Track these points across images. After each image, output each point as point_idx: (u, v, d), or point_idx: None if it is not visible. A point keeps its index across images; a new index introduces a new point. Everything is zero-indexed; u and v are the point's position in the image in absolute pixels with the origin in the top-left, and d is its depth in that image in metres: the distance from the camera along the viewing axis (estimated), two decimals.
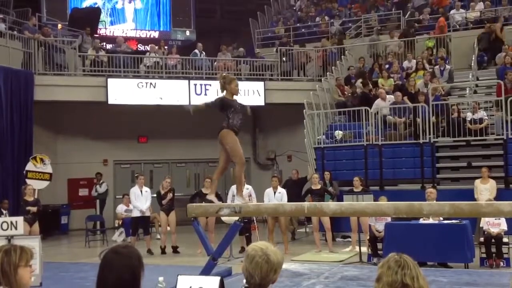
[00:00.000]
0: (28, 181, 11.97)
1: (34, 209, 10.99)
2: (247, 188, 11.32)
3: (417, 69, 15.47)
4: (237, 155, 6.37)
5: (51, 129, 16.61)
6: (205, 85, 16.08)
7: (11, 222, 7.03)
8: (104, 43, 20.11)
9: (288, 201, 11.04)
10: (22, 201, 11.23)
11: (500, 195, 11.09)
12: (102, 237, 13.40)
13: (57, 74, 15.28)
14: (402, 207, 5.99)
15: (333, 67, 17.04)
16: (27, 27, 15.41)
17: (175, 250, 11.70)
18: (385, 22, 19.38)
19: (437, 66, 15.33)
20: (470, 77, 14.89)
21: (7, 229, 6.98)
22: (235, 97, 6.57)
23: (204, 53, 17.32)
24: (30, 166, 12.34)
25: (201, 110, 7.27)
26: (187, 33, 24.44)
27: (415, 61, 15.92)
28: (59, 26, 19.32)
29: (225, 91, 6.46)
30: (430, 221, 9.29)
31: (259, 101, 16.43)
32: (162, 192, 11.85)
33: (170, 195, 11.82)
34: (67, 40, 16.66)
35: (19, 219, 7.15)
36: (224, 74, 6.88)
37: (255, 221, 11.93)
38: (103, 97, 15.24)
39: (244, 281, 2.71)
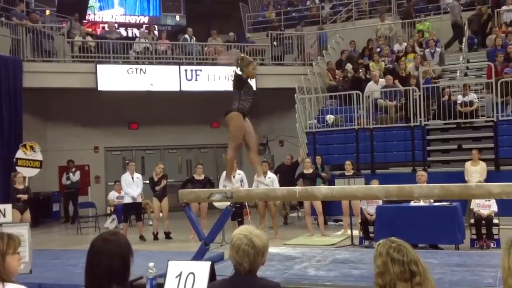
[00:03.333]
0: (18, 168, 11.90)
1: (24, 196, 10.93)
2: (239, 174, 11.32)
3: (406, 52, 15.46)
4: (235, 140, 6.29)
5: (41, 116, 16.50)
6: (195, 70, 16.01)
7: None
8: (94, 29, 19.92)
9: (282, 186, 11.01)
10: (13, 189, 11.17)
11: (490, 177, 11.18)
12: (94, 224, 13.38)
13: (46, 60, 15.15)
14: (393, 190, 5.98)
15: (324, 51, 17.00)
16: (14, 13, 15.22)
17: (167, 236, 11.72)
18: (376, 5, 19.31)
19: (427, 49, 15.33)
20: (461, 59, 14.90)
21: None
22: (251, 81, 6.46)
23: (194, 38, 17.20)
24: (20, 154, 12.26)
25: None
26: (177, 18, 24.22)
27: (405, 44, 15.92)
28: (47, 12, 19.11)
29: (241, 73, 6.36)
30: (421, 203, 9.34)
31: None
32: (156, 178, 11.82)
33: (164, 182, 11.80)
34: (55, 26, 16.50)
35: (8, 207, 7.09)
36: (242, 55, 6.73)
37: (247, 206, 11.94)
38: (92, 83, 15.14)
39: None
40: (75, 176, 15.37)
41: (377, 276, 2.32)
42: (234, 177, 11.25)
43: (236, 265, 2.65)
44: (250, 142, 6.35)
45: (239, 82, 6.26)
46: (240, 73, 6.29)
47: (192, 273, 3.90)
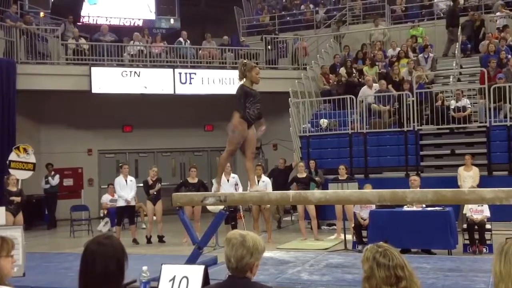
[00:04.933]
0: (11, 171, 11.85)
1: (17, 199, 10.89)
2: (233, 177, 11.32)
3: (399, 57, 15.52)
4: (232, 145, 6.32)
5: (34, 118, 16.45)
6: (190, 73, 16.01)
7: None
8: (90, 36, 19.88)
9: (275, 190, 11.02)
10: (5, 192, 11.12)
11: (483, 182, 11.22)
12: (87, 227, 13.33)
13: (40, 63, 15.10)
14: (386, 194, 6.01)
15: (318, 55, 17.05)
16: (8, 15, 15.16)
17: (161, 239, 11.69)
18: (370, 10, 19.38)
19: (421, 54, 15.40)
20: (454, 65, 14.97)
21: None
22: (254, 85, 6.46)
23: (188, 41, 17.21)
24: (13, 156, 12.20)
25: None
26: (172, 21, 24.21)
27: (399, 49, 15.98)
28: (42, 14, 19.06)
29: (244, 79, 6.36)
30: (414, 208, 9.37)
31: None
32: (150, 182, 11.81)
33: (158, 186, 11.81)
34: (49, 29, 16.45)
35: (1, 209, 7.06)
36: (245, 61, 6.75)
37: (241, 210, 11.94)
38: (86, 86, 15.11)
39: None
40: (55, 180, 14.94)
41: (364, 280, 2.36)
42: (228, 180, 11.29)
43: (226, 261, 2.68)
44: (247, 150, 6.39)
45: (245, 94, 6.24)
46: (241, 82, 6.30)
47: (186, 277, 3.90)
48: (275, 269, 6.60)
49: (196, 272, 3.90)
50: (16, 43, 14.51)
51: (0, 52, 14.30)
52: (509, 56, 13.92)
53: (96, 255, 2.43)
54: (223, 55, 17.04)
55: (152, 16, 22.67)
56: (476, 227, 9.41)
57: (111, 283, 2.42)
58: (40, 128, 16.66)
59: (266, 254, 7.69)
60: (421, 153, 13.06)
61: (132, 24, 22.87)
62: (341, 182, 10.92)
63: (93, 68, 15.20)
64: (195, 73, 15.98)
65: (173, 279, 3.94)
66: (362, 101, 13.61)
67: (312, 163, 12.87)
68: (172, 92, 15.90)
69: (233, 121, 6.15)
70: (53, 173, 15.07)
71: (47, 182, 14.90)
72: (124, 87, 15.45)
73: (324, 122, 13.95)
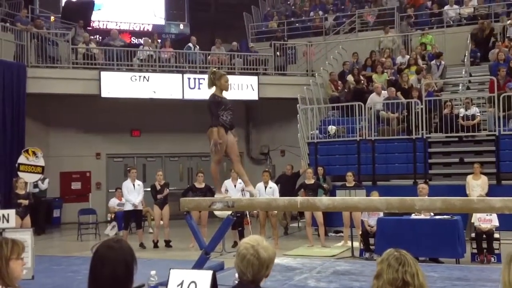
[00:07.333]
0: (20, 174, 11.92)
1: (25, 202, 10.95)
2: (240, 183, 11.31)
3: (409, 65, 15.49)
4: (217, 154, 6.37)
5: (44, 122, 16.54)
6: (198, 79, 16.06)
7: (3, 215, 6.98)
8: (98, 36, 20.01)
9: (282, 196, 11.02)
10: (14, 194, 11.18)
11: (491, 191, 11.16)
12: (95, 230, 13.37)
13: (50, 66, 15.20)
14: (394, 202, 6.00)
15: (326, 62, 17.06)
16: (19, 19, 15.30)
17: (167, 244, 11.71)
18: (379, 17, 19.38)
19: (433, 61, 15.37)
20: (463, 73, 14.93)
21: None
22: (224, 93, 6.48)
23: (197, 46, 17.27)
24: (22, 159, 12.28)
25: None
26: (181, 26, 24.37)
27: (408, 56, 15.96)
28: (52, 18, 19.20)
29: (214, 87, 6.40)
30: (422, 216, 9.33)
31: (253, 95, 16.44)
32: (158, 186, 11.84)
33: (167, 191, 11.84)
34: (60, 33, 16.56)
35: (11, 212, 7.09)
36: (214, 69, 6.77)
37: (247, 216, 11.93)
38: (96, 90, 15.19)
39: (237, 275, 2.72)
40: (44, 184, 14.42)
41: (374, 278, 2.42)
42: (235, 186, 11.30)
43: (240, 274, 2.67)
44: (231, 155, 6.43)
45: (217, 104, 6.30)
46: (214, 93, 6.36)
47: (194, 282, 3.90)
48: (282, 276, 6.60)
49: (204, 277, 3.90)
50: (27, 46, 14.63)
51: (10, 56, 14.41)
52: None
53: (105, 258, 2.43)
54: (232, 61, 17.08)
55: (159, 21, 22.79)
56: (484, 236, 9.36)
57: (120, 287, 2.43)
58: (49, 131, 16.74)
59: None
60: (430, 161, 13.01)
61: (141, 29, 23.02)
62: (348, 189, 10.90)
63: (102, 73, 15.28)
64: (203, 78, 15.98)
65: (181, 283, 3.95)
66: (371, 108, 13.59)
67: (320, 170, 12.85)
68: (181, 97, 15.95)
69: (213, 137, 6.19)
70: (42, 176, 14.02)
71: (35, 186, 14.10)
72: (133, 91, 15.52)
73: (332, 128, 13.94)
